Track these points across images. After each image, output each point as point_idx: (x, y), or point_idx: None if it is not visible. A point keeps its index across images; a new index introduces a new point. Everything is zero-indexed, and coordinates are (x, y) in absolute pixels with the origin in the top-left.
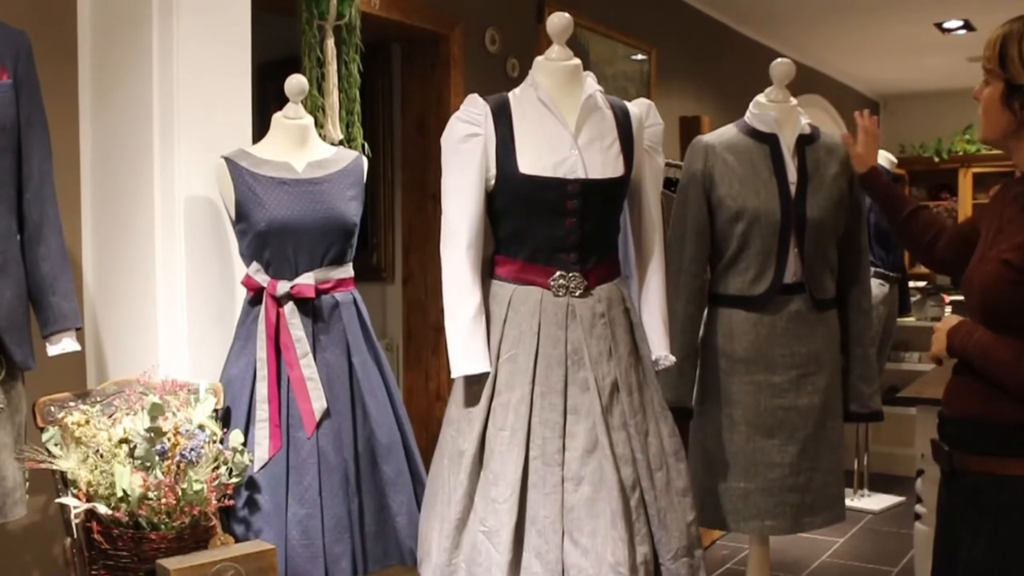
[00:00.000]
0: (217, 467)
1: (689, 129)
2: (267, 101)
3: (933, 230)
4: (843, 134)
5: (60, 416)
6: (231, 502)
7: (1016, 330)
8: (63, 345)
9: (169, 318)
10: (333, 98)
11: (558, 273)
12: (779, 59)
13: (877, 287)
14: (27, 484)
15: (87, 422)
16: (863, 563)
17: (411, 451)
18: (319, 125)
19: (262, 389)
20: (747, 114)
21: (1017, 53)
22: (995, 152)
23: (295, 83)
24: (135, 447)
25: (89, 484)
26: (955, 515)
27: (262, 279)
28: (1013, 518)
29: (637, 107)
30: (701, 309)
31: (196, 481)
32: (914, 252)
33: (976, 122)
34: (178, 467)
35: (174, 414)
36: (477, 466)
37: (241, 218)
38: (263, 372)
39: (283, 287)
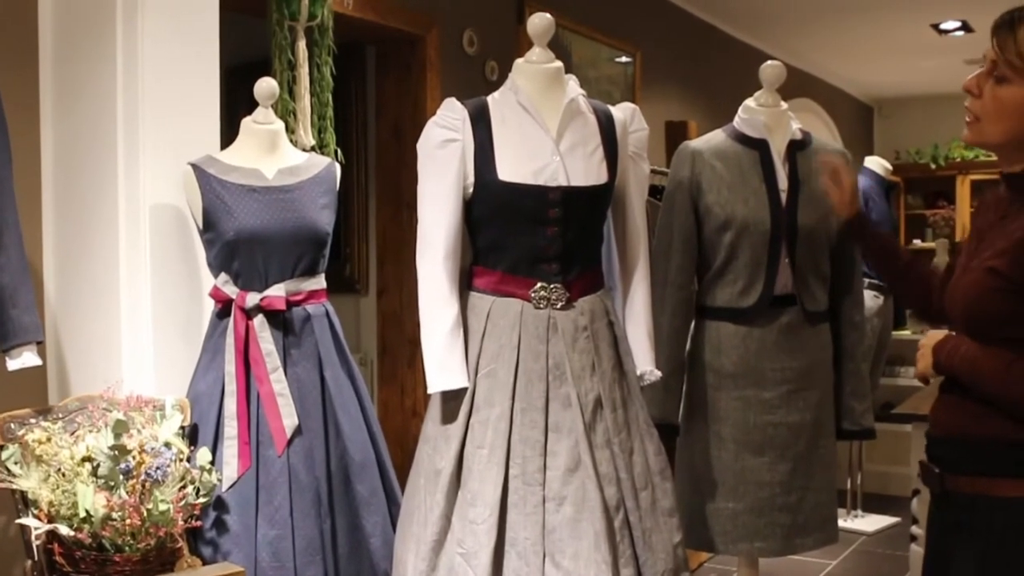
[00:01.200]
0: (184, 486)
1: (675, 134)
2: (236, 105)
3: (930, 283)
4: (824, 180)
5: (20, 433)
6: (198, 523)
7: (1004, 342)
8: (23, 359)
9: (134, 331)
10: (305, 102)
11: (539, 284)
12: (769, 61)
13: (871, 299)
14: None
15: (48, 440)
16: None
17: (386, 470)
18: (290, 130)
19: (231, 405)
20: (736, 119)
21: None
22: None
23: (265, 87)
24: (98, 466)
25: (51, 504)
26: (946, 538)
27: (231, 291)
28: (1006, 540)
29: (621, 111)
30: (688, 322)
31: (162, 501)
32: (913, 308)
33: (943, 139)
34: (143, 486)
35: (139, 431)
36: (455, 485)
37: (209, 227)
38: (232, 387)
39: (252, 299)
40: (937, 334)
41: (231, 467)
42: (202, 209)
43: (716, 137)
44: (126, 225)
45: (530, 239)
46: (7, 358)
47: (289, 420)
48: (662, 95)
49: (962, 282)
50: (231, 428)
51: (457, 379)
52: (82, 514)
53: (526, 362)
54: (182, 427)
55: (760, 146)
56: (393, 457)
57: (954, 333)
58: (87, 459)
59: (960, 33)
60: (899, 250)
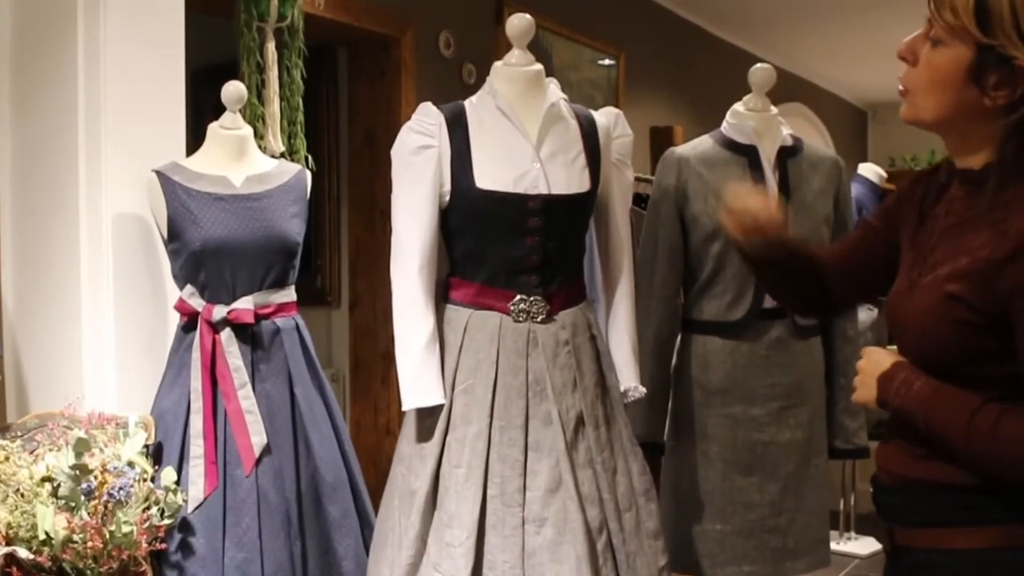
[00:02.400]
0: (148, 507)
1: (661, 140)
2: (202, 110)
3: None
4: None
5: None
6: (163, 545)
7: (963, 379)
8: None
9: (96, 346)
10: (274, 106)
11: (518, 297)
12: (759, 64)
13: (864, 312)
14: None
15: (7, 459)
16: None
17: (358, 490)
18: (259, 136)
19: (197, 423)
20: (724, 124)
21: (1010, 13)
22: None
23: (233, 90)
24: (59, 486)
25: (9, 526)
26: None
27: (197, 303)
28: None
29: (604, 117)
30: (673, 336)
31: (125, 523)
32: (802, 308)
33: (940, 146)
34: (105, 507)
35: (101, 450)
36: (430, 506)
37: (174, 237)
38: (198, 404)
39: (219, 312)
40: (881, 357)
41: (197, 487)
42: (167, 218)
43: (703, 143)
44: (88, 235)
45: (509, 249)
46: None
47: (257, 438)
48: (647, 99)
49: (912, 305)
50: (197, 447)
51: (433, 396)
52: (42, 536)
53: (505, 378)
54: (146, 446)
55: (749, 153)
56: (366, 477)
57: (901, 359)
58: (47, 479)
59: None
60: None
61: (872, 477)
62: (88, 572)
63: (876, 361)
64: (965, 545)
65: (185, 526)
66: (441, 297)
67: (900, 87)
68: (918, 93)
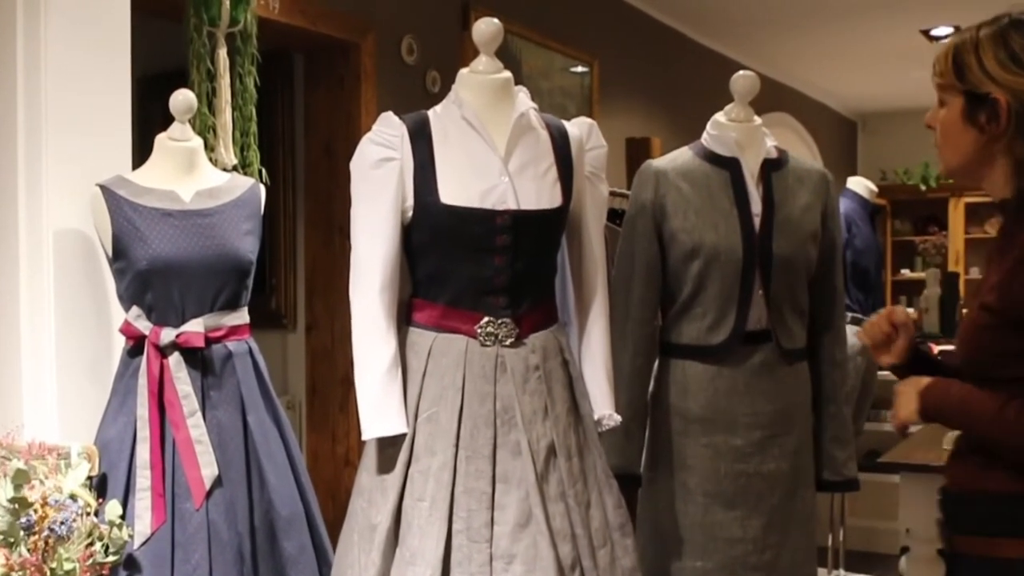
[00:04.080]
0: (91, 543)
1: (637, 152)
2: (150, 120)
3: None
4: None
5: None
6: None
7: (997, 383)
8: None
9: (36, 371)
10: (226, 116)
11: (486, 319)
12: (741, 72)
13: (854, 335)
14: None
15: None
16: None
17: (315, 525)
18: (209, 148)
19: (143, 453)
20: (704, 135)
21: (975, 59)
22: None
23: (182, 99)
24: None
25: None
26: None
27: (143, 326)
28: None
29: (577, 127)
30: (651, 361)
31: (67, 560)
32: None
33: (934, 158)
34: (46, 543)
35: (42, 482)
36: (392, 542)
37: (119, 255)
38: (144, 433)
39: (168, 335)
40: (920, 379)
41: (144, 522)
42: (112, 235)
43: (682, 155)
44: (27, 253)
45: (476, 269)
46: None
47: (208, 470)
48: (622, 109)
49: (963, 323)
50: (144, 479)
51: (394, 424)
52: None
53: (471, 405)
54: (89, 477)
55: (731, 165)
56: (324, 511)
57: (942, 378)
58: None
59: None
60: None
61: (940, 487)
62: None
63: (916, 382)
64: (1007, 554)
65: (131, 563)
66: (403, 319)
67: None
68: (942, 150)
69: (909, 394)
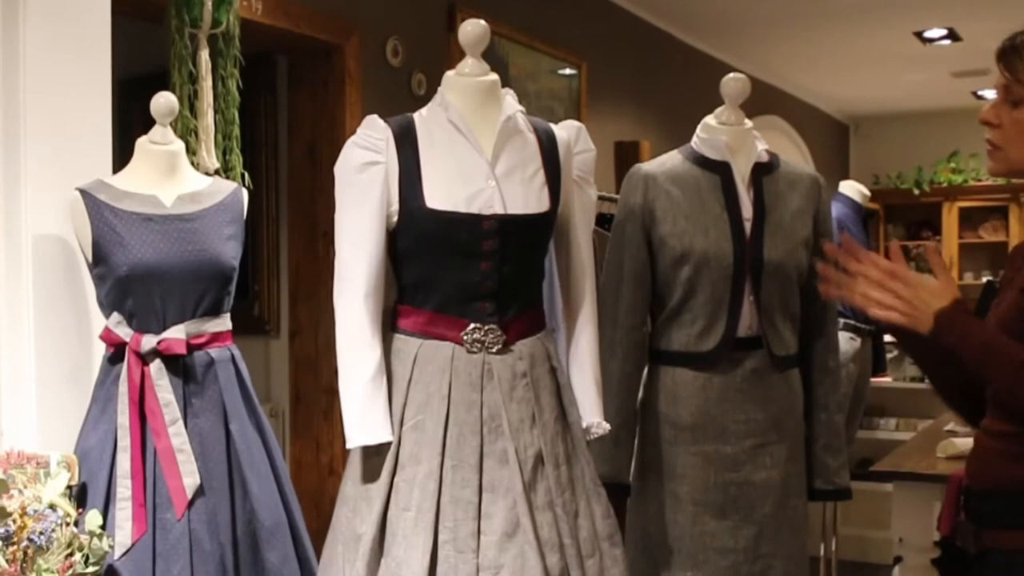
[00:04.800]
0: (71, 554)
1: (626, 156)
2: (130, 123)
3: None
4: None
5: None
6: None
7: None
8: None
9: (14, 378)
10: (208, 119)
11: (472, 326)
12: (732, 74)
13: (847, 342)
14: None
15: None
16: None
17: (299, 535)
18: (191, 151)
19: (124, 462)
20: (694, 139)
21: None
22: (985, 184)
23: (163, 102)
24: None
25: None
26: None
27: (124, 333)
28: None
29: (565, 131)
30: (640, 368)
31: (47, 571)
32: None
33: (928, 161)
34: (25, 554)
35: (20, 491)
36: (377, 553)
37: (99, 261)
38: (125, 442)
39: (149, 342)
40: (936, 292)
41: (124, 532)
42: (91, 241)
43: (672, 159)
44: (5, 258)
45: (462, 274)
46: None
47: (190, 479)
48: (611, 111)
49: (998, 310)
50: (124, 488)
51: (379, 433)
52: None
53: (457, 413)
54: (69, 487)
55: (721, 169)
56: (308, 521)
57: (959, 296)
58: None
59: (946, 42)
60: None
61: (964, 486)
62: None
63: (931, 292)
64: None
65: (111, 574)
66: (388, 326)
67: (989, 147)
68: (1012, 147)
69: (924, 304)
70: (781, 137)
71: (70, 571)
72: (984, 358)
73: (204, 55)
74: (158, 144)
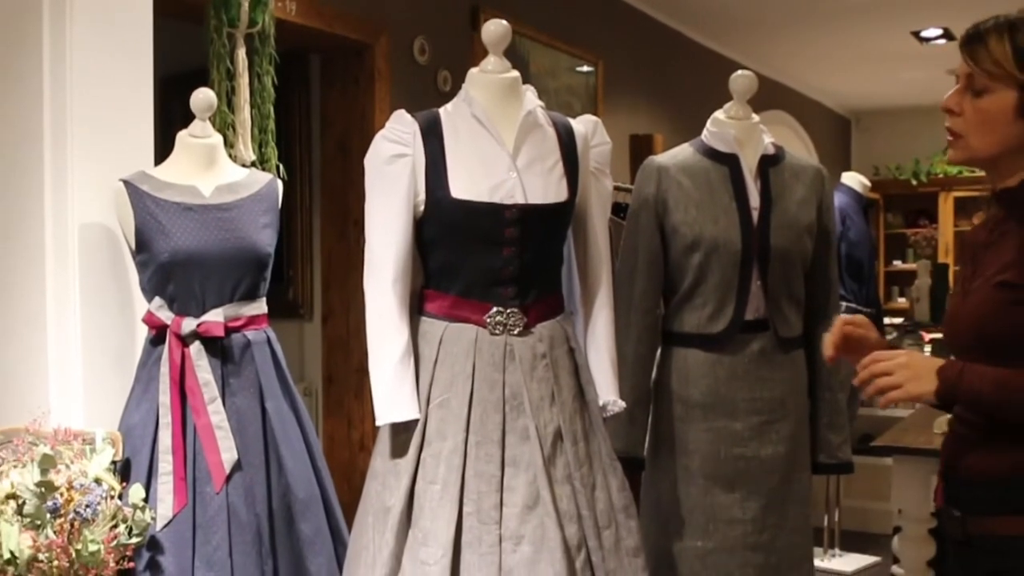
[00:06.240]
0: (115, 525)
1: (640, 149)
2: (171, 118)
3: None
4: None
5: None
6: (131, 564)
7: (1017, 363)
8: None
9: (62, 359)
10: (244, 114)
11: (495, 309)
12: (740, 71)
13: None
14: None
15: None
16: None
17: (331, 507)
18: (229, 144)
19: (165, 438)
20: (704, 132)
21: None
22: (978, 175)
23: (202, 98)
24: (24, 503)
25: None
26: None
27: (165, 316)
28: None
29: (582, 124)
30: (654, 348)
31: (92, 541)
32: None
33: (925, 154)
34: (72, 525)
35: (67, 466)
36: (405, 524)
37: (142, 248)
38: (166, 419)
39: (189, 325)
40: (924, 355)
41: (166, 505)
42: (135, 229)
43: (683, 152)
44: (54, 246)
45: (485, 261)
46: None
47: (228, 454)
48: (626, 107)
49: (967, 305)
50: (166, 463)
51: (407, 410)
52: (6, 555)
53: (481, 392)
54: (113, 462)
55: (730, 161)
56: (339, 494)
57: (951, 358)
58: (11, 496)
59: (942, 41)
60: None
61: (941, 472)
62: None
63: (921, 358)
64: None
65: (153, 544)
66: (416, 309)
67: (950, 136)
68: (971, 136)
69: (923, 370)
70: (786, 131)
71: (114, 542)
72: (1003, 393)
73: (241, 53)
74: (197, 138)
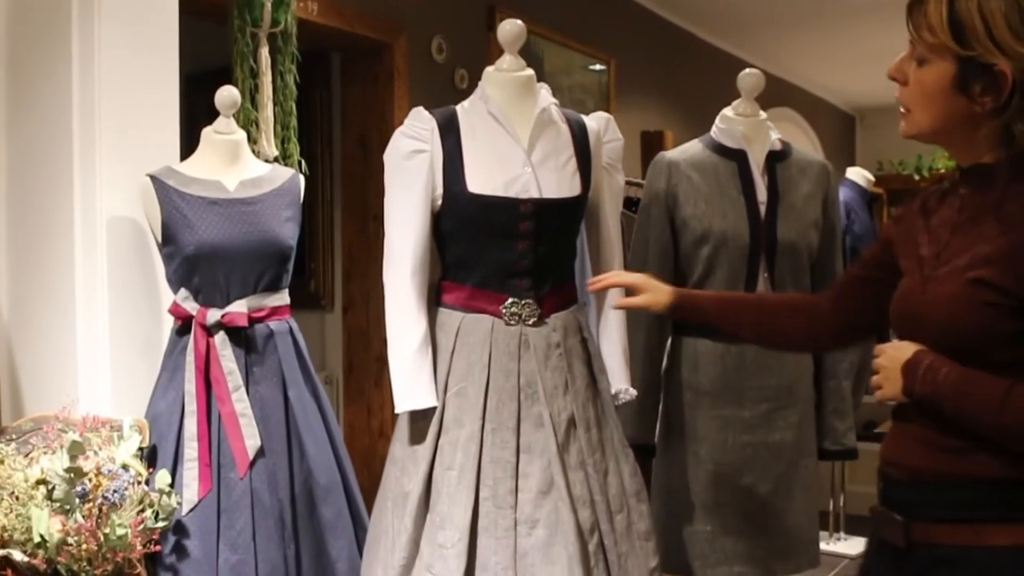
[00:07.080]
0: (142, 510)
1: (651, 145)
2: (196, 115)
3: (799, 304)
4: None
5: None
6: (157, 548)
7: (993, 367)
8: None
9: (90, 349)
10: (267, 111)
11: (510, 300)
12: (748, 70)
13: None
14: None
15: (1, 462)
16: None
17: (352, 492)
18: (252, 140)
19: (191, 425)
20: (713, 129)
21: (982, 24)
22: None
23: (226, 95)
24: (53, 488)
25: (3, 529)
26: None
27: (191, 307)
28: None
29: (595, 121)
30: (664, 338)
31: (120, 525)
32: (795, 347)
33: (927, 150)
34: (100, 510)
35: (96, 453)
36: (423, 508)
37: (168, 241)
38: (192, 407)
39: (213, 315)
40: (899, 350)
41: (191, 490)
42: (161, 222)
43: (693, 147)
44: (82, 239)
45: (500, 253)
46: None
47: (251, 441)
48: (637, 104)
49: (932, 295)
50: (191, 449)
51: (425, 399)
52: (36, 539)
53: (497, 380)
54: (140, 448)
55: (738, 157)
56: (360, 479)
57: (922, 347)
58: (41, 482)
59: None
60: (741, 301)
61: (880, 471)
62: (83, 574)
63: (895, 353)
64: (1001, 542)
65: (179, 528)
66: (433, 301)
67: (901, 108)
68: (915, 109)
69: (892, 370)
70: (793, 127)
71: (141, 526)
72: (961, 393)
73: (264, 52)
74: (222, 134)
